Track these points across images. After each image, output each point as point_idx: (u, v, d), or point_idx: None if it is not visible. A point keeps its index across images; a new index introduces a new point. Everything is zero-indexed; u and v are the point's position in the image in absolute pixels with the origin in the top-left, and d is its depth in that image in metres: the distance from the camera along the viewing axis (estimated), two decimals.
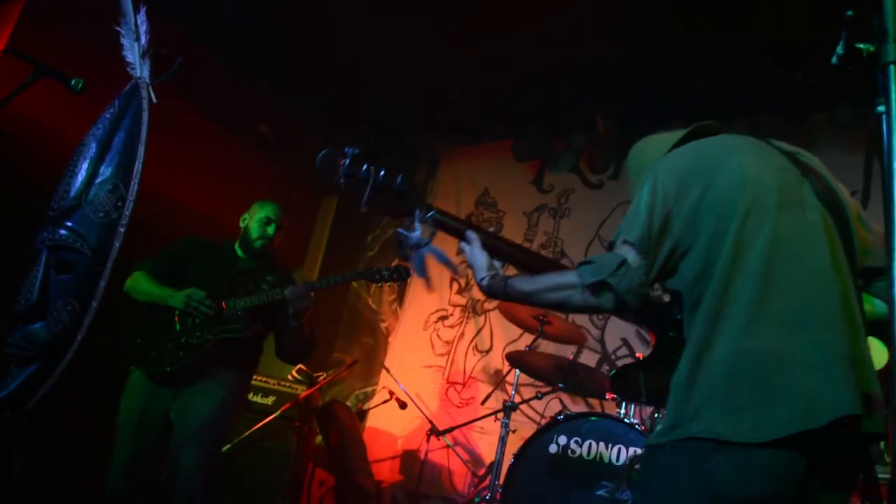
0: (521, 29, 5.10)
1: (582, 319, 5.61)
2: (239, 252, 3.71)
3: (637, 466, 3.07)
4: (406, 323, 6.41)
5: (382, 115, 6.25)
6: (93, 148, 1.61)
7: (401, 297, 6.55)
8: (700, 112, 5.80)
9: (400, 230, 1.86)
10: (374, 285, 6.77)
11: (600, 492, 3.24)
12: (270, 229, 3.65)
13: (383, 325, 6.57)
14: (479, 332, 6.03)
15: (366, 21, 5.28)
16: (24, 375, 1.49)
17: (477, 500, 4.46)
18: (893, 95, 1.00)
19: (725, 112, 5.47)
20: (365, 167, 1.90)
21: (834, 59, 1.12)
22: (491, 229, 6.38)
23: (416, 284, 6.51)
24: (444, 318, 6.25)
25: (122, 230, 1.55)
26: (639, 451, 3.24)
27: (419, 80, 5.75)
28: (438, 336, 6.19)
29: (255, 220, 3.67)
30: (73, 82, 2.61)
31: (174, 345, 3.30)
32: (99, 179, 1.58)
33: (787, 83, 4.86)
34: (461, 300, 6.24)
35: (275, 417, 4.68)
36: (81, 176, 1.59)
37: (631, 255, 1.53)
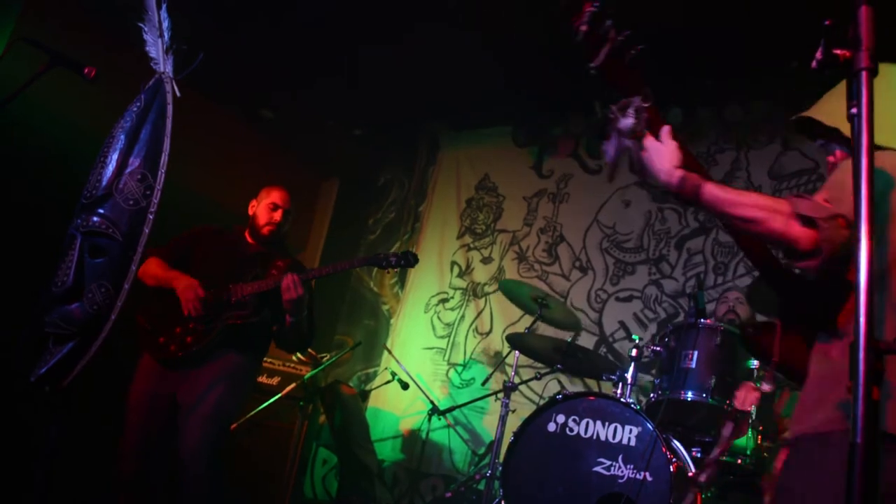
0: (517, 13, 5.17)
1: (580, 303, 5.73)
2: (248, 238, 3.74)
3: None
4: (407, 305, 6.52)
5: (383, 100, 6.31)
6: (122, 140, 1.70)
7: (402, 281, 6.66)
8: (696, 97, 5.91)
9: (614, 107, 1.78)
10: (376, 269, 6.88)
11: (597, 468, 3.35)
12: (278, 215, 3.69)
13: (385, 307, 6.68)
14: (479, 314, 6.14)
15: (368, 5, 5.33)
16: (62, 353, 1.59)
17: (478, 476, 4.59)
18: (865, 100, 1.09)
19: (721, 97, 5.57)
20: (609, 23, 1.74)
21: (814, 64, 1.22)
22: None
23: (416, 268, 6.59)
24: (444, 300, 6.36)
25: (150, 217, 1.64)
26: (634, 429, 3.36)
27: (421, 64, 5.81)
28: (439, 318, 6.31)
29: (263, 205, 3.71)
30: (86, 71, 2.70)
31: (183, 330, 3.36)
32: (128, 170, 1.67)
33: (783, 70, 4.93)
34: (462, 283, 6.34)
35: (279, 398, 4.79)
36: (112, 166, 1.68)
37: (844, 219, 1.53)
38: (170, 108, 1.73)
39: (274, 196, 3.72)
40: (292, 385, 4.88)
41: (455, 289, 6.35)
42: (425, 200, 6.86)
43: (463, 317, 6.20)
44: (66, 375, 1.60)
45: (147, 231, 1.65)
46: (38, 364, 1.60)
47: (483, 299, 6.16)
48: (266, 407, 4.71)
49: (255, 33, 5.65)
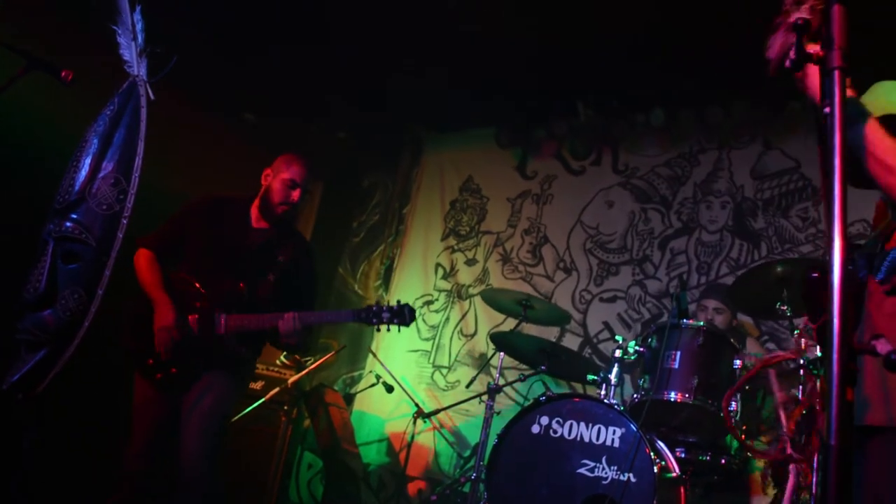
0: (501, 17, 5.17)
1: (565, 304, 5.74)
2: (254, 218, 3.45)
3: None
4: None
5: (367, 102, 6.30)
6: (94, 143, 1.68)
7: (386, 283, 6.64)
8: (679, 99, 5.93)
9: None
10: (361, 269, 6.86)
11: (580, 470, 3.35)
12: (296, 194, 3.38)
13: None
14: (463, 316, 6.13)
15: (353, 8, 5.32)
16: (35, 360, 1.57)
17: (462, 480, 4.58)
18: (837, 98, 1.09)
19: (703, 98, 5.59)
20: None
21: (787, 63, 1.22)
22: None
23: (401, 270, 6.60)
24: (429, 302, 6.35)
25: (124, 222, 1.62)
26: (617, 430, 3.36)
27: (404, 66, 5.81)
28: (424, 320, 6.29)
29: (280, 180, 3.38)
30: (63, 74, 2.68)
31: (168, 358, 3.21)
32: (101, 174, 1.65)
33: (764, 71, 4.95)
34: (446, 285, 6.34)
35: (263, 402, 4.75)
36: (85, 171, 1.66)
37: None
38: (144, 112, 1.71)
39: (294, 171, 3.39)
40: (276, 389, 4.85)
41: (440, 291, 6.34)
42: (409, 202, 6.85)
43: (448, 319, 6.19)
44: (39, 383, 1.57)
45: (121, 236, 1.63)
46: (9, 372, 1.58)
47: (468, 301, 6.16)
48: (250, 411, 4.68)
49: (239, 36, 5.62)
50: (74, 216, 1.63)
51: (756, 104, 5.44)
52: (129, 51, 1.84)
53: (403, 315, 3.36)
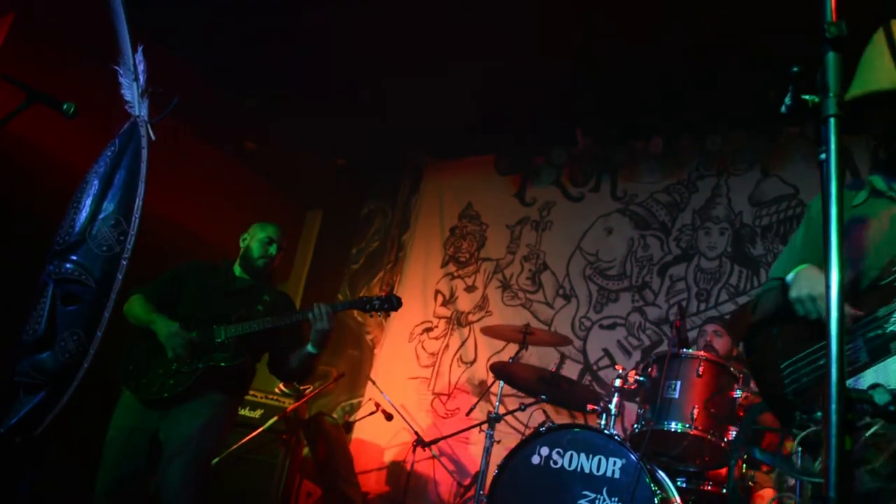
0: (501, 47, 5.23)
1: (564, 331, 5.73)
2: (237, 272, 3.76)
3: None
4: (391, 335, 6.49)
5: (367, 130, 6.34)
6: (95, 185, 1.69)
7: None
8: (677, 127, 5.96)
9: None
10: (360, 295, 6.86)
11: (581, 501, 3.33)
12: (273, 249, 3.73)
13: (369, 336, 6.65)
14: (463, 343, 6.12)
15: (352, 40, 5.37)
16: (33, 403, 1.56)
17: None
18: (833, 145, 1.11)
19: (702, 128, 5.63)
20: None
21: (783, 109, 1.23)
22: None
23: (401, 296, 6.58)
24: (428, 329, 6.34)
25: (124, 263, 1.63)
26: (618, 461, 3.34)
27: (403, 95, 5.86)
28: (423, 348, 6.28)
29: (257, 239, 3.74)
30: (64, 107, 2.69)
31: (165, 372, 3.33)
32: (102, 215, 1.66)
33: (760, 100, 4.99)
34: (446, 312, 6.33)
35: (262, 430, 4.73)
36: (85, 212, 1.67)
37: None
38: (145, 153, 1.72)
39: (269, 231, 3.78)
40: (275, 417, 4.82)
41: (439, 318, 6.34)
42: (409, 229, 6.87)
43: (447, 346, 6.18)
44: (37, 425, 1.57)
45: (121, 277, 1.63)
46: (7, 415, 1.57)
47: (467, 328, 6.15)
48: (249, 440, 4.65)
49: (241, 64, 5.68)
50: (74, 257, 1.64)
51: (754, 132, 5.47)
52: (131, 91, 1.86)
53: (392, 302, 3.64)
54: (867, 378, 1.79)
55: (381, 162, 6.92)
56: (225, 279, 3.71)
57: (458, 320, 6.23)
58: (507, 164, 6.31)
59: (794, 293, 1.98)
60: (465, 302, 6.28)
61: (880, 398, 1.00)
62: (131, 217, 1.65)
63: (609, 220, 5.98)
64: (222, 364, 3.38)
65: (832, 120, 1.12)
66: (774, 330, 2.09)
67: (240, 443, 4.60)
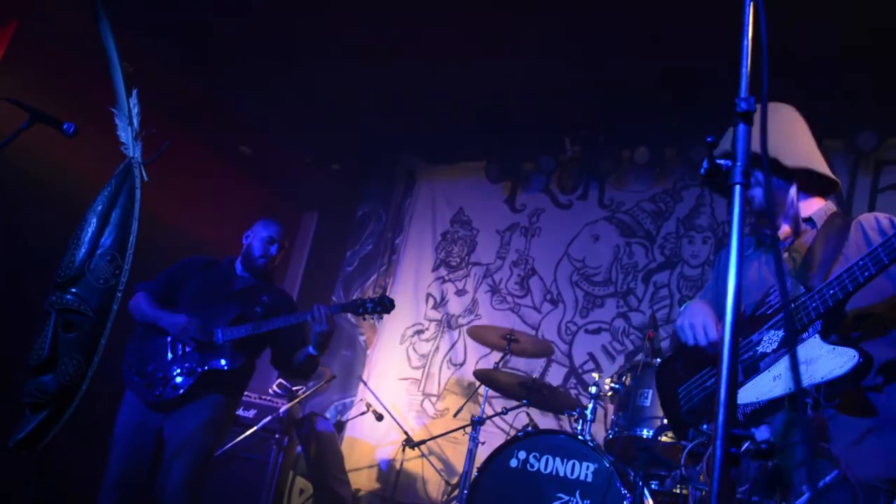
0: (493, 57, 5.38)
1: (551, 335, 5.90)
2: (238, 269, 3.82)
3: None
4: (383, 336, 6.66)
5: (361, 135, 6.50)
6: (93, 223, 1.86)
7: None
8: (663, 139, 6.11)
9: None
10: (354, 298, 7.02)
11: (556, 503, 3.50)
12: (274, 248, 3.79)
13: (361, 338, 6.82)
14: (453, 346, 6.29)
15: (345, 44, 5.52)
16: (37, 420, 1.73)
17: None
18: (736, 208, 1.27)
19: (685, 141, 5.78)
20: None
21: (702, 171, 1.39)
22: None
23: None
24: (420, 331, 6.51)
25: (119, 295, 1.80)
26: (591, 465, 3.52)
27: (397, 100, 6.01)
28: (414, 349, 6.45)
29: (259, 238, 3.79)
30: (65, 126, 2.84)
31: (165, 376, 3.43)
32: (99, 251, 1.82)
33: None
34: (436, 315, 6.50)
35: (255, 430, 4.90)
36: (85, 248, 1.83)
37: None
38: (138, 193, 1.88)
39: (272, 229, 3.83)
40: (268, 418, 4.99)
41: (430, 320, 6.51)
42: (402, 233, 7.03)
43: (437, 348, 6.35)
44: (41, 441, 1.74)
45: (116, 308, 1.80)
46: (15, 430, 1.74)
47: (457, 331, 6.32)
48: (243, 439, 4.82)
49: (237, 69, 5.82)
50: (74, 290, 1.80)
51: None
52: (126, 134, 2.02)
53: (384, 304, 3.66)
54: (745, 394, 2.06)
55: (375, 166, 7.08)
56: (225, 278, 3.77)
57: (448, 323, 6.40)
58: (497, 170, 6.46)
59: (677, 323, 2.35)
60: (455, 305, 6.45)
61: (760, 436, 1.16)
62: (126, 253, 1.82)
63: (596, 227, 6.14)
64: (222, 367, 3.47)
65: (737, 187, 1.28)
66: (678, 364, 2.44)
67: (233, 442, 4.77)
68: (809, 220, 2.28)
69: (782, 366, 2.01)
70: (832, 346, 1.92)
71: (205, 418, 3.42)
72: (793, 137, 2.26)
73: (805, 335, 1.99)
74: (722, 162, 1.36)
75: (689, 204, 5.88)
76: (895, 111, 4.87)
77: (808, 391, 1.91)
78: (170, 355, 3.47)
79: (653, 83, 5.37)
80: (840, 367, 1.86)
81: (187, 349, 3.49)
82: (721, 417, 1.11)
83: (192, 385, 3.42)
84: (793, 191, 2.24)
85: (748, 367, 2.10)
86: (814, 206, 2.29)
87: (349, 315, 6.85)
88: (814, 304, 1.99)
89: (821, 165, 2.25)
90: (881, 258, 1.85)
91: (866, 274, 1.87)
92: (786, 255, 2.25)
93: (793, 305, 2.04)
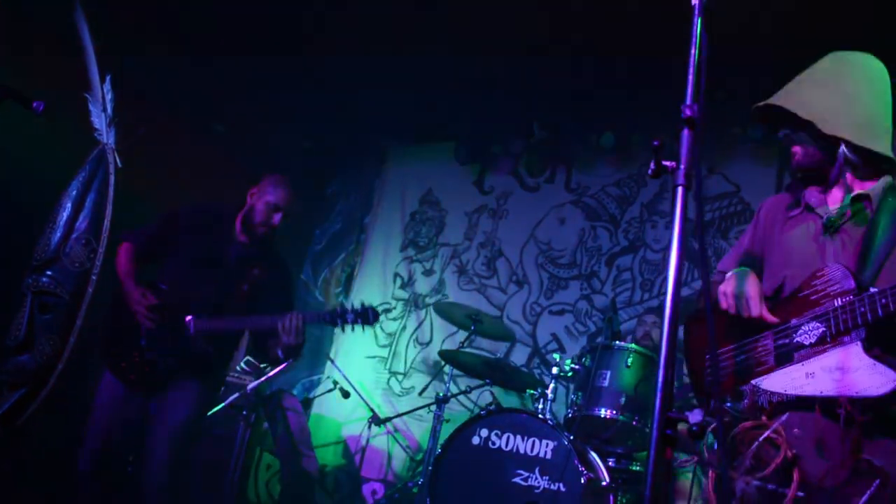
0: (462, 40, 5.43)
1: (516, 316, 6.03)
2: (238, 230, 3.55)
3: None
4: None
5: (332, 114, 6.52)
6: (68, 208, 1.90)
7: (346, 291, 6.88)
8: (629, 124, 6.21)
9: None
10: (322, 276, 7.08)
11: (515, 479, 3.63)
12: (278, 217, 3.50)
13: None
14: (419, 325, 6.39)
15: (318, 24, 5.53)
16: (14, 398, 1.79)
17: (410, 484, 4.85)
18: (678, 208, 1.37)
19: (652, 126, 5.90)
20: None
21: (649, 172, 1.49)
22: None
23: (361, 278, 6.84)
24: (387, 311, 6.59)
25: (94, 278, 1.85)
26: (550, 443, 3.65)
27: (367, 81, 6.04)
28: (382, 328, 6.54)
29: (264, 202, 3.49)
30: (34, 105, 2.85)
31: (140, 359, 3.29)
32: (74, 235, 1.87)
33: (707, 102, 5.24)
34: (404, 294, 6.59)
35: (223, 407, 4.94)
36: (60, 232, 1.87)
37: None
38: (112, 178, 1.93)
39: (279, 195, 3.50)
40: (236, 395, 5.03)
41: (397, 300, 6.59)
42: (371, 212, 7.09)
43: (404, 327, 6.44)
44: (18, 418, 1.79)
45: (91, 290, 1.85)
46: None
47: (424, 310, 6.42)
48: (210, 416, 4.86)
49: (210, 46, 5.80)
50: (50, 272, 1.85)
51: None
52: (100, 120, 2.05)
53: (367, 316, 3.42)
54: (773, 382, 1.98)
55: (345, 145, 7.10)
56: (222, 239, 3.50)
57: (415, 302, 6.49)
58: (466, 152, 6.54)
59: (721, 287, 2.17)
60: (422, 285, 6.54)
61: (693, 418, 1.27)
62: (100, 236, 1.87)
63: (562, 210, 6.25)
64: (195, 356, 3.33)
65: (679, 188, 1.38)
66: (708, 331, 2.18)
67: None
68: (865, 197, 2.06)
69: (817, 364, 1.90)
70: (873, 362, 1.81)
71: (191, 399, 3.31)
72: (840, 98, 2.07)
73: (846, 339, 1.87)
74: (667, 163, 1.45)
75: (652, 189, 6.01)
76: None
77: (840, 401, 1.80)
78: (144, 339, 3.28)
79: (620, 70, 5.46)
80: (877, 387, 1.76)
81: (160, 334, 3.31)
82: (658, 403, 1.21)
83: (167, 373, 3.29)
84: (841, 155, 2.05)
85: (782, 354, 2.01)
86: (869, 184, 2.08)
87: (318, 294, 6.93)
88: (862, 309, 1.84)
89: (868, 138, 2.04)
90: None
91: None
92: (835, 236, 2.08)
93: (839, 303, 1.91)
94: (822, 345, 1.92)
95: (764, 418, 1.90)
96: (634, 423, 3.78)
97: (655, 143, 1.44)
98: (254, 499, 5.91)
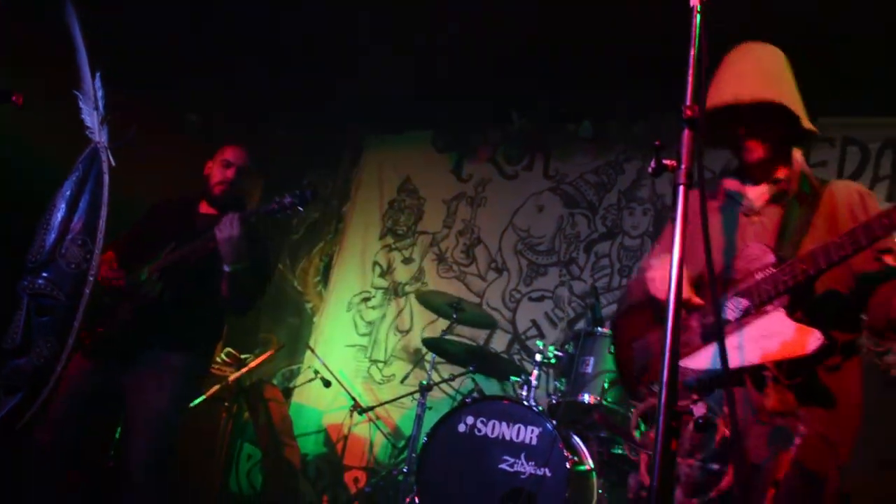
0: (439, 27, 5.42)
1: (496, 303, 6.07)
2: (202, 206, 3.55)
3: None
4: (330, 304, 6.73)
5: (307, 103, 6.48)
6: (62, 208, 1.88)
7: (325, 280, 6.87)
8: (604, 111, 6.24)
9: None
10: (300, 265, 7.06)
11: (501, 465, 3.68)
12: (231, 172, 3.47)
13: (308, 305, 6.88)
14: (399, 313, 6.40)
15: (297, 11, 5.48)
16: (12, 402, 1.77)
17: (395, 472, 4.88)
18: (679, 206, 1.39)
19: (631, 113, 5.96)
20: None
21: (650, 170, 1.51)
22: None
23: (339, 267, 6.83)
24: (367, 299, 6.60)
25: (90, 279, 1.83)
26: (535, 429, 3.69)
27: (343, 68, 6.01)
28: (362, 317, 6.54)
29: (218, 162, 3.53)
30: (13, 98, 2.80)
31: (101, 332, 3.22)
32: (70, 236, 1.85)
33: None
34: (383, 283, 6.59)
35: (204, 399, 4.93)
36: (54, 233, 1.85)
37: None
38: (106, 178, 1.91)
39: (228, 153, 3.53)
40: (217, 387, 5.02)
41: (377, 288, 6.60)
42: (349, 201, 7.07)
43: (384, 315, 6.46)
44: (16, 422, 1.78)
45: (88, 291, 1.84)
46: None
47: (403, 298, 6.43)
48: (191, 408, 4.84)
49: (185, 36, 5.73)
50: (45, 274, 1.82)
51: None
52: (91, 118, 2.03)
53: (304, 196, 3.37)
54: (699, 358, 2.02)
55: (322, 134, 7.06)
56: (186, 217, 3.48)
57: (395, 291, 6.50)
58: (444, 140, 6.54)
59: (649, 273, 2.23)
60: (402, 273, 6.55)
61: (698, 411, 1.30)
62: (96, 236, 1.86)
63: (541, 197, 6.28)
64: (151, 302, 3.21)
65: (680, 187, 1.40)
66: (638, 319, 2.33)
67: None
68: (783, 180, 2.18)
69: (743, 336, 1.95)
70: (798, 325, 1.88)
71: (170, 389, 3.21)
72: (786, 83, 2.16)
73: (769, 307, 1.95)
74: (668, 162, 1.48)
75: (630, 176, 6.06)
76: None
77: (768, 366, 1.86)
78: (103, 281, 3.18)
79: (599, 59, 5.49)
80: (806, 346, 1.82)
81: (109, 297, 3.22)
82: (663, 396, 1.24)
83: (138, 334, 3.20)
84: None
85: (708, 333, 2.06)
86: (783, 166, 2.20)
87: (296, 283, 6.90)
88: (783, 278, 1.93)
89: (808, 118, 2.13)
90: (859, 241, 1.80)
91: (842, 254, 1.83)
92: (756, 218, 2.18)
93: (761, 276, 1.99)
94: (745, 317, 1.99)
95: (694, 397, 1.91)
96: (618, 408, 3.84)
97: (656, 143, 1.46)
98: (235, 489, 5.92)
